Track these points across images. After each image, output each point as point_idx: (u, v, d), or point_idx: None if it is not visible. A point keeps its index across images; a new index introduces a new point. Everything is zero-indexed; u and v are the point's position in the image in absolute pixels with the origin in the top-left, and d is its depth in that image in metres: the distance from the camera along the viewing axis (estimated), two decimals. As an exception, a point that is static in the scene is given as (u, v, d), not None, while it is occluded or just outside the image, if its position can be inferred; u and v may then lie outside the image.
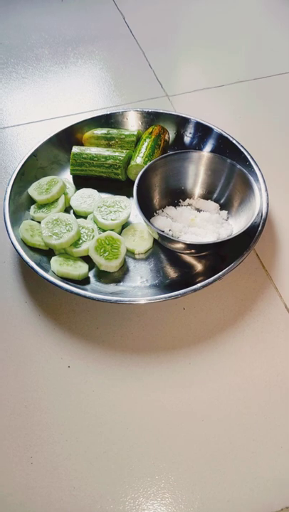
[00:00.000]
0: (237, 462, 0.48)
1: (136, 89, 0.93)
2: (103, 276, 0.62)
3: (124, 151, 0.72)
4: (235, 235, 0.58)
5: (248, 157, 0.70)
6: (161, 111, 0.78)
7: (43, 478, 0.47)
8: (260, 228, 0.62)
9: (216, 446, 0.49)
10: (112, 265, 0.61)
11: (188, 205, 0.69)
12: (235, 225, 0.65)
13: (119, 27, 1.09)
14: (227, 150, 0.73)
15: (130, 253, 0.65)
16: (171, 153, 0.67)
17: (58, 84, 0.95)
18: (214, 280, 0.56)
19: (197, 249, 0.62)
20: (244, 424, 0.50)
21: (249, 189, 0.63)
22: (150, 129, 0.75)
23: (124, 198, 0.67)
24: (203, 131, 0.75)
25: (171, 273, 0.63)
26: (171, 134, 0.77)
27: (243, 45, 1.04)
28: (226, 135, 0.73)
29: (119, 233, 0.66)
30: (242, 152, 0.71)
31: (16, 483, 0.47)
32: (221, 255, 0.62)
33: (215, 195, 0.68)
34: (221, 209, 0.68)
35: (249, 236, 0.61)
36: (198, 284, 0.56)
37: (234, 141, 0.72)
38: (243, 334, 0.57)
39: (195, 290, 0.56)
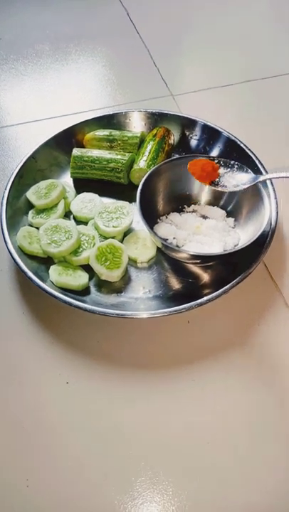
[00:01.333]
0: (246, 489, 0.45)
1: (140, 87, 0.89)
2: (104, 286, 0.59)
3: (127, 154, 0.69)
4: (243, 246, 0.55)
5: (256, 161, 0.67)
6: (166, 112, 0.75)
7: (39, 500, 0.45)
8: (269, 238, 0.59)
9: (223, 470, 0.46)
10: (113, 275, 0.58)
11: (194, 211, 0.66)
12: (242, 233, 0.62)
13: (123, 23, 1.05)
14: (234, 153, 0.69)
15: (132, 262, 0.62)
16: (176, 157, 0.64)
17: (59, 81, 0.91)
18: (221, 294, 0.54)
19: (203, 259, 0.59)
20: (253, 448, 0.48)
21: (258, 196, 0.60)
22: (154, 131, 0.72)
23: (126, 203, 0.64)
24: (210, 134, 0.72)
25: (176, 284, 0.60)
26: (175, 136, 0.74)
27: (251, 43, 1.00)
28: (234, 138, 0.70)
29: (121, 241, 0.63)
30: (250, 156, 0.68)
31: (11, 505, 0.44)
32: (228, 265, 0.59)
33: (222, 202, 0.65)
34: (228, 216, 0.65)
35: (258, 246, 0.58)
36: (204, 298, 0.53)
37: (242, 145, 0.69)
38: (250, 349, 0.55)
39: (200, 304, 0.53)
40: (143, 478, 0.46)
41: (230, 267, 0.59)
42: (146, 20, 1.05)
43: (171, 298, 0.58)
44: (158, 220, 0.64)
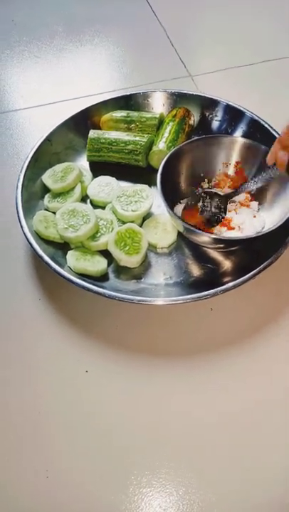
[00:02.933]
0: (271, 482, 0.43)
1: (157, 68, 0.86)
2: (123, 272, 0.57)
3: (146, 136, 0.66)
4: (271, 230, 0.52)
5: (282, 142, 0.64)
6: (185, 92, 0.72)
7: (59, 493, 0.43)
8: (296, 221, 0.56)
9: (249, 462, 0.44)
10: (132, 260, 0.56)
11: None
12: (267, 217, 0.59)
13: (139, 3, 1.01)
14: (258, 134, 0.66)
15: (152, 247, 0.60)
16: (198, 137, 0.61)
17: (74, 63, 0.89)
18: (247, 279, 0.51)
19: (226, 244, 0.57)
20: (282, 441, 0.46)
21: (285, 179, 0.57)
22: (174, 112, 0.69)
23: (145, 186, 0.62)
24: (232, 114, 0.69)
25: (197, 270, 0.57)
26: (195, 117, 0.71)
27: (271, 21, 0.96)
28: (257, 118, 0.67)
29: (140, 225, 0.61)
30: (275, 137, 0.64)
31: (31, 498, 0.43)
32: (251, 251, 0.57)
33: (246, 185, 0.62)
34: (252, 200, 0.62)
35: (284, 229, 0.55)
36: (230, 284, 0.51)
37: (266, 125, 0.66)
38: (277, 338, 0.52)
39: (225, 290, 0.51)
40: (164, 470, 0.44)
41: (254, 253, 0.56)
42: (163, 0, 1.02)
43: (192, 284, 0.56)
44: (178, 204, 0.62)
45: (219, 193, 0.59)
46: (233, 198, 0.60)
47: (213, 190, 0.60)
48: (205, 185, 0.63)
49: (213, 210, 0.59)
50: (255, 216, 0.60)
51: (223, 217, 0.58)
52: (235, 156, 0.62)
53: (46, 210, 0.62)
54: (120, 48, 0.92)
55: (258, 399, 0.48)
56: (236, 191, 0.58)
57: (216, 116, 0.71)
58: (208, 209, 0.59)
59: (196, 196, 0.59)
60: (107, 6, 1.01)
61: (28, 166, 0.63)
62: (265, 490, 0.43)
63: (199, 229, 0.57)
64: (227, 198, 0.58)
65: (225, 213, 0.58)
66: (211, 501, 0.42)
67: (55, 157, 0.67)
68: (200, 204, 0.59)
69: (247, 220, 0.58)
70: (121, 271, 0.57)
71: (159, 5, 1.00)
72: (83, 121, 0.70)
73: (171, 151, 0.59)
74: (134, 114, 0.69)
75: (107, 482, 0.44)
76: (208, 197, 0.59)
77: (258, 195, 0.61)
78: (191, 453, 0.45)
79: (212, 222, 0.59)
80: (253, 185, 0.57)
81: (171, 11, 0.99)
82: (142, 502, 0.43)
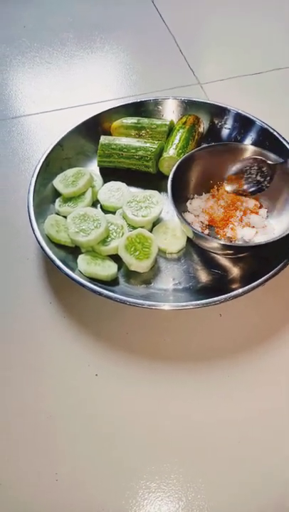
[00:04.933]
0: (281, 492, 0.43)
1: (166, 76, 0.87)
2: (132, 276, 0.58)
3: (156, 142, 0.67)
4: (280, 237, 0.53)
5: (291, 151, 0.64)
6: (195, 99, 0.72)
7: (69, 496, 0.43)
8: (305, 229, 0.56)
9: (254, 471, 0.44)
10: (142, 265, 0.56)
11: (225, 201, 0.64)
12: (276, 225, 0.60)
13: (148, 10, 1.03)
14: (267, 142, 0.67)
15: (161, 253, 0.60)
16: (208, 145, 0.62)
17: (84, 69, 0.90)
18: (257, 286, 0.52)
19: (235, 250, 0.57)
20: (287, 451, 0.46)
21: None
22: (184, 119, 0.69)
23: (155, 192, 0.63)
24: (242, 122, 0.70)
25: (206, 276, 0.58)
26: (205, 125, 0.72)
27: (281, 30, 0.97)
28: (267, 127, 0.67)
29: (150, 231, 0.61)
30: (284, 145, 0.65)
31: (40, 501, 0.43)
32: (260, 258, 0.57)
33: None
34: (260, 207, 0.62)
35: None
36: (240, 290, 0.51)
37: (275, 133, 0.67)
38: (285, 346, 0.52)
39: (235, 296, 0.51)
40: (173, 475, 0.44)
41: (262, 260, 0.56)
42: (172, 7, 1.03)
43: (201, 290, 0.56)
44: (188, 211, 0.62)
45: (269, 161, 0.58)
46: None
47: (260, 157, 0.59)
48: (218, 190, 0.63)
49: (258, 178, 0.58)
50: (264, 224, 0.60)
51: (267, 187, 0.58)
52: (244, 164, 0.62)
53: (57, 214, 0.63)
54: (130, 55, 0.93)
55: (266, 407, 0.48)
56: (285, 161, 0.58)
57: (225, 124, 0.71)
58: (254, 176, 0.58)
59: (244, 162, 0.59)
60: (117, 13, 1.03)
61: (39, 171, 0.64)
62: (273, 498, 0.43)
63: (208, 235, 0.57)
64: (275, 167, 0.58)
65: (270, 183, 0.58)
66: (221, 507, 0.43)
67: (67, 162, 0.68)
68: (246, 169, 0.59)
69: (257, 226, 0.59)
70: (131, 275, 0.58)
71: (168, 12, 1.01)
72: (94, 127, 0.71)
73: (181, 158, 0.59)
74: (144, 120, 0.70)
75: (117, 486, 0.44)
76: (255, 164, 0.58)
77: (267, 203, 0.62)
78: (200, 458, 0.45)
79: (254, 191, 0.58)
80: None
81: (180, 18, 1.00)
82: (151, 507, 0.43)
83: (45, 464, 0.45)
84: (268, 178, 0.58)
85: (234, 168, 0.59)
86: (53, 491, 0.44)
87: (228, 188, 0.59)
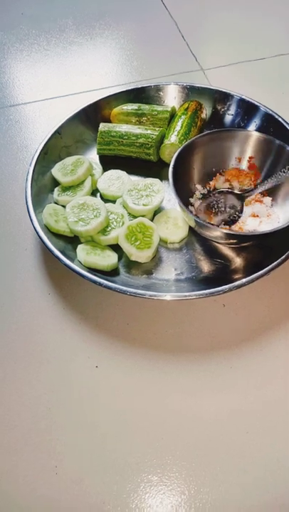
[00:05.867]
0: (284, 485, 0.42)
1: (168, 62, 0.85)
2: (133, 267, 0.56)
3: (157, 129, 0.65)
4: (284, 226, 0.51)
5: (296, 137, 0.62)
6: (197, 85, 0.70)
7: (69, 490, 0.43)
8: (311, 217, 0.55)
9: (258, 464, 0.43)
10: (143, 255, 0.55)
11: (228, 190, 0.62)
12: (281, 213, 0.58)
13: (149, -5, 1.00)
14: (271, 128, 0.65)
15: (163, 242, 0.59)
16: (211, 131, 0.60)
17: (83, 56, 0.88)
18: (261, 275, 0.50)
19: (238, 239, 0.56)
20: (293, 439, 0.45)
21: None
22: (186, 105, 0.68)
23: (156, 180, 0.61)
24: (245, 108, 0.68)
25: (208, 266, 0.56)
26: (207, 111, 0.70)
27: (284, 15, 0.94)
28: (271, 112, 0.66)
29: (151, 220, 0.60)
30: (288, 131, 0.63)
31: (40, 494, 0.42)
32: (263, 247, 0.56)
33: (258, 180, 0.61)
34: (265, 195, 0.61)
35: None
36: (244, 280, 0.50)
37: (280, 119, 0.65)
38: (290, 336, 0.51)
39: (239, 286, 0.50)
40: (175, 468, 0.43)
41: (266, 249, 0.55)
42: (174, -7, 1.00)
43: (203, 280, 0.55)
44: (190, 199, 0.61)
45: (235, 191, 0.57)
46: (248, 198, 0.58)
47: (226, 189, 0.59)
48: (216, 182, 0.62)
49: (227, 210, 0.58)
50: (269, 213, 0.58)
51: (239, 217, 0.57)
52: (248, 151, 0.61)
53: (56, 203, 0.61)
54: (131, 41, 0.90)
55: (270, 397, 0.47)
56: (251, 190, 0.57)
57: (228, 110, 0.69)
58: (223, 209, 0.58)
59: (210, 197, 0.58)
60: (117, -1, 1.00)
61: (37, 159, 0.62)
62: (280, 490, 0.42)
63: (211, 223, 0.56)
64: (243, 197, 0.57)
65: (241, 212, 0.57)
66: (224, 501, 0.42)
67: (65, 150, 0.67)
68: (213, 204, 0.58)
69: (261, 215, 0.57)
70: (131, 266, 0.56)
71: (169, -2, 0.99)
72: (93, 115, 0.70)
73: (183, 145, 0.58)
74: (145, 107, 0.68)
75: (118, 479, 0.43)
76: (222, 197, 0.58)
77: (272, 191, 0.60)
78: (203, 452, 0.44)
79: (228, 222, 0.58)
80: (267, 185, 0.56)
81: (182, 4, 0.98)
82: (152, 500, 0.42)
83: (45, 457, 0.44)
84: (238, 208, 0.57)
85: (200, 205, 0.59)
86: (53, 484, 0.43)
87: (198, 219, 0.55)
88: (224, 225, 0.58)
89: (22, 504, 0.42)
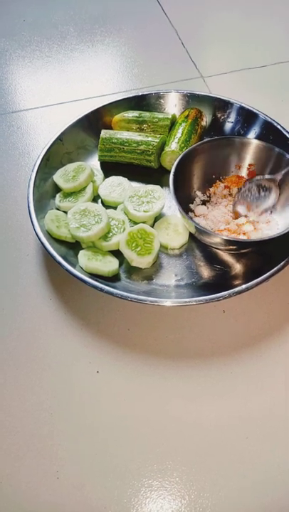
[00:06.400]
0: (284, 490, 0.43)
1: (168, 69, 0.86)
2: (134, 272, 0.57)
3: (158, 136, 0.66)
4: (283, 233, 0.52)
5: (296, 145, 0.63)
6: (197, 93, 0.71)
7: (70, 495, 0.43)
8: (310, 224, 0.55)
9: (258, 469, 0.44)
10: (144, 261, 0.56)
11: (228, 196, 0.63)
12: (280, 220, 0.59)
13: (150, 3, 1.01)
14: (270, 136, 0.66)
15: (163, 248, 0.59)
16: (211, 138, 0.61)
17: (84, 63, 0.89)
18: (261, 281, 0.51)
19: (238, 245, 0.56)
20: (292, 444, 0.45)
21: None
22: (186, 112, 0.68)
23: (157, 187, 0.62)
24: (244, 116, 0.69)
25: (208, 272, 0.57)
26: (207, 119, 0.71)
27: (285, 22, 0.95)
28: (270, 120, 0.66)
29: (152, 226, 0.60)
30: (288, 139, 0.64)
31: (42, 499, 0.43)
32: (263, 254, 0.56)
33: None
34: (264, 202, 0.61)
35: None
36: (244, 286, 0.50)
37: (279, 127, 0.66)
38: (289, 342, 0.52)
39: (239, 292, 0.50)
40: (175, 474, 0.44)
41: (266, 256, 0.55)
42: (174, 0, 1.01)
43: (203, 286, 0.55)
44: (190, 206, 0.61)
45: (267, 176, 0.58)
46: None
47: (257, 177, 0.59)
48: (216, 189, 0.62)
49: (262, 194, 0.59)
50: (268, 220, 0.59)
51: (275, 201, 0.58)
52: (248, 158, 0.61)
53: (57, 209, 0.62)
54: (131, 48, 0.91)
55: (269, 403, 0.48)
56: (278, 172, 0.57)
57: (228, 117, 0.70)
58: (258, 196, 0.59)
59: (242, 188, 0.59)
60: (118, 6, 1.01)
61: (39, 166, 0.63)
62: (279, 495, 0.43)
63: (211, 230, 0.56)
64: (274, 180, 0.58)
65: (276, 195, 0.58)
66: (224, 506, 0.42)
67: (67, 157, 0.67)
68: (247, 194, 0.59)
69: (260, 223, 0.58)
70: (132, 271, 0.57)
71: (170, 5, 1.00)
72: (95, 121, 0.70)
73: (184, 152, 0.58)
74: (146, 114, 0.69)
75: (119, 484, 0.43)
76: (253, 184, 0.59)
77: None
78: (203, 456, 0.45)
79: (267, 209, 0.59)
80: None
81: (182, 11, 0.99)
82: (153, 505, 0.42)
83: (47, 463, 0.45)
84: (273, 193, 0.58)
85: (236, 198, 0.60)
86: (55, 489, 0.43)
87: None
88: (264, 211, 0.58)
89: (24, 509, 0.42)
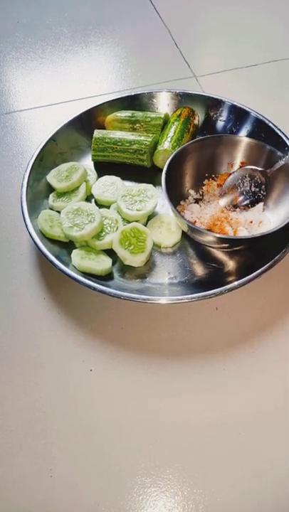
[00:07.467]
0: (280, 483, 0.43)
1: (161, 69, 0.86)
2: (127, 271, 0.57)
3: (151, 136, 0.66)
4: (275, 230, 0.52)
5: (287, 142, 0.64)
6: (190, 92, 0.72)
7: (64, 493, 0.43)
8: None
9: (251, 465, 0.44)
10: (137, 260, 0.56)
11: (221, 194, 0.63)
12: (272, 217, 0.59)
13: (143, 3, 1.02)
14: (262, 134, 0.66)
15: (156, 247, 0.59)
16: (203, 137, 0.61)
17: (78, 64, 0.89)
18: (253, 278, 0.51)
19: (230, 243, 0.56)
20: (287, 440, 0.45)
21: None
22: (178, 111, 0.69)
23: (150, 186, 0.62)
24: (237, 115, 0.69)
25: (201, 269, 0.57)
26: (200, 117, 0.71)
27: (277, 22, 0.96)
28: (262, 118, 0.67)
29: (145, 225, 0.60)
30: (280, 137, 0.64)
31: (35, 498, 0.43)
32: (256, 251, 0.56)
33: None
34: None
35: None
36: (236, 283, 0.51)
37: (270, 125, 0.66)
38: (285, 337, 0.52)
39: (231, 289, 0.50)
40: (168, 471, 0.44)
41: (259, 253, 0.56)
42: (166, 0, 1.02)
43: (196, 284, 0.56)
44: (183, 203, 0.62)
45: (259, 169, 0.58)
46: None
47: (250, 167, 0.59)
48: (209, 187, 0.62)
49: (253, 189, 0.59)
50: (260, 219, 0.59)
51: (264, 195, 0.58)
52: (240, 156, 0.62)
53: (51, 209, 0.62)
54: (124, 48, 0.92)
55: (262, 399, 0.48)
56: (272, 166, 0.58)
57: (220, 116, 0.70)
58: (248, 188, 0.59)
59: (235, 175, 0.59)
60: (112, 7, 1.02)
61: (33, 166, 0.63)
62: (272, 490, 0.43)
63: (202, 228, 0.57)
64: (266, 174, 0.58)
65: (266, 190, 0.58)
66: (217, 502, 0.42)
67: (60, 157, 0.68)
68: (238, 184, 0.59)
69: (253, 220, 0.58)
70: (125, 270, 0.57)
71: (163, 5, 1.00)
72: (88, 122, 0.71)
73: (176, 151, 0.59)
74: (138, 114, 0.69)
75: (112, 482, 0.44)
76: (247, 175, 0.59)
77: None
78: (196, 453, 0.45)
79: (252, 202, 0.59)
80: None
81: (175, 11, 0.99)
82: (146, 502, 0.42)
83: (40, 461, 0.45)
84: (263, 186, 0.58)
85: (226, 183, 0.59)
86: (48, 487, 0.43)
87: (223, 202, 0.58)
88: (249, 203, 0.59)
89: (17, 508, 0.43)
